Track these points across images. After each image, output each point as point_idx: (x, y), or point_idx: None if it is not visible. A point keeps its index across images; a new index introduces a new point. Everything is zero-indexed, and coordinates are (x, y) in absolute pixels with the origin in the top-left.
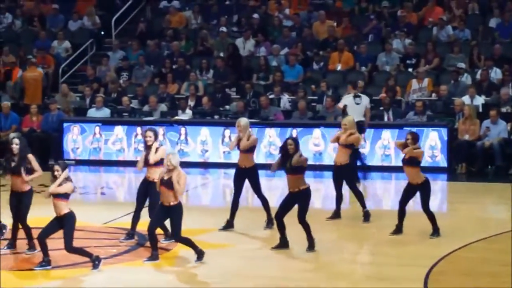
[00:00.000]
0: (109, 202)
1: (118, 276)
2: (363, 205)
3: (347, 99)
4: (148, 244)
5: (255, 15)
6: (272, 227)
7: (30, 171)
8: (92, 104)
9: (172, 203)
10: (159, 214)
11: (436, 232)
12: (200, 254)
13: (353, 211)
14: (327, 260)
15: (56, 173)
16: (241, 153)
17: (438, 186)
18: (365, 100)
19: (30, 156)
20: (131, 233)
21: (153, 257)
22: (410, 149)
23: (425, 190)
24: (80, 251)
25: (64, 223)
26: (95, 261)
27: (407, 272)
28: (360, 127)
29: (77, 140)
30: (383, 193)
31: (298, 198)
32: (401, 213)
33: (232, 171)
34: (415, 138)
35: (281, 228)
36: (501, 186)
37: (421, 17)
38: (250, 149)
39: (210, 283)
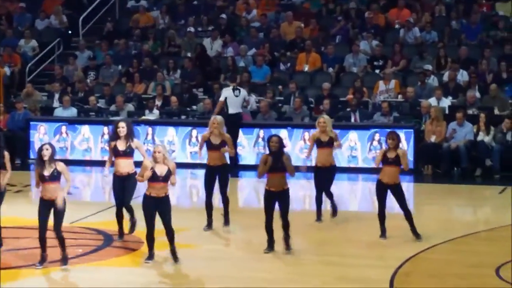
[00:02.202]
0: (76, 201)
1: (83, 276)
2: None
3: (226, 92)
4: (115, 244)
5: (223, 16)
6: (227, 227)
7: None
8: (60, 103)
9: (166, 194)
10: (151, 210)
11: (416, 234)
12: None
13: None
14: (295, 261)
15: (45, 151)
16: (212, 152)
17: (404, 187)
18: (243, 92)
19: (6, 154)
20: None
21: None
22: (404, 153)
23: (401, 188)
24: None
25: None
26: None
27: (374, 274)
28: (239, 119)
29: (43, 139)
30: (350, 194)
31: (282, 197)
32: (384, 216)
33: (199, 172)
34: (398, 138)
35: (271, 232)
36: (466, 188)
37: (389, 19)
38: (222, 145)
39: (177, 283)
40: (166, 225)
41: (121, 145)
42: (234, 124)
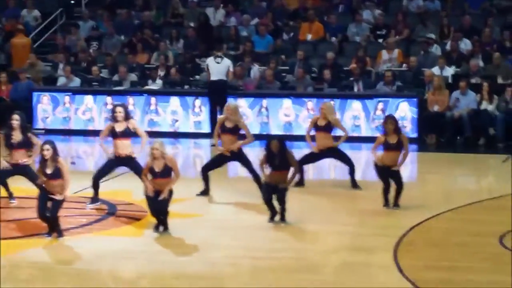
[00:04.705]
0: (79, 171)
1: (87, 245)
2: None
3: (209, 60)
4: (118, 213)
5: None
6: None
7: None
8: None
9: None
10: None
11: (397, 204)
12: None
13: (320, 181)
14: (297, 230)
15: (45, 152)
16: (226, 135)
17: (408, 156)
18: (226, 61)
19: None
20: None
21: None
22: (405, 137)
23: (400, 173)
24: (57, 220)
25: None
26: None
27: (377, 243)
28: (221, 86)
29: (46, 109)
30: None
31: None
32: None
33: (202, 141)
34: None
35: (272, 205)
36: (470, 157)
37: None
38: (236, 130)
39: (181, 252)
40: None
41: (119, 127)
42: (217, 91)
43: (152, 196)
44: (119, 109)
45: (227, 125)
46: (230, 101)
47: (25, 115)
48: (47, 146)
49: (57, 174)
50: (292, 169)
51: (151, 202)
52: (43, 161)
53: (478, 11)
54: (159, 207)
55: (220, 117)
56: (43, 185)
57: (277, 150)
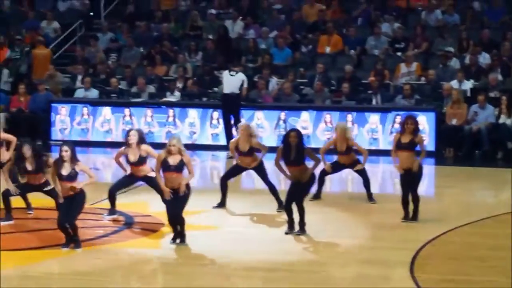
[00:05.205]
0: (96, 183)
1: (103, 256)
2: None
3: (224, 73)
4: (135, 225)
5: None
6: (281, 211)
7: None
8: (82, 85)
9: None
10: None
11: (415, 217)
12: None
13: (337, 194)
14: (313, 243)
15: (64, 153)
16: (243, 157)
17: (426, 170)
18: (240, 75)
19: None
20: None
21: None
22: (421, 137)
23: (419, 173)
24: (76, 230)
25: (77, 199)
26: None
27: (394, 256)
28: (234, 99)
29: (65, 120)
30: (371, 176)
31: (302, 185)
32: (407, 202)
33: (220, 153)
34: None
35: (291, 213)
36: (487, 171)
37: (410, 1)
38: (251, 151)
39: (197, 264)
40: (175, 213)
41: (132, 155)
42: (229, 103)
43: (169, 198)
44: (133, 133)
45: (241, 149)
46: (245, 116)
47: (44, 127)
48: (65, 148)
49: (73, 176)
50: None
51: (170, 204)
52: (61, 162)
53: (497, 24)
54: (177, 206)
55: (232, 140)
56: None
57: (295, 141)
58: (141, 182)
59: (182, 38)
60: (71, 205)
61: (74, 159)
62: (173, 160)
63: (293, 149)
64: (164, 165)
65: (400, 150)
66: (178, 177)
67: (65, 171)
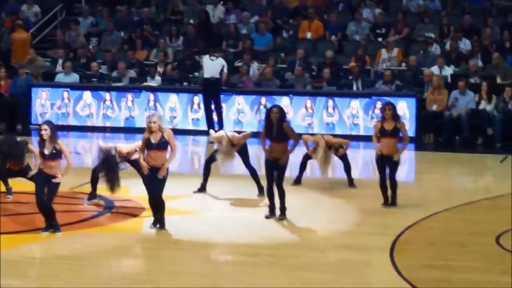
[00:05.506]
0: (77, 167)
1: (83, 241)
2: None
3: (204, 58)
4: (116, 209)
5: None
6: (262, 196)
7: None
8: (63, 69)
9: (163, 164)
10: (150, 177)
11: (394, 203)
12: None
13: (318, 179)
14: (295, 228)
15: (43, 131)
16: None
17: (406, 155)
18: (220, 60)
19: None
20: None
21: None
22: (403, 123)
23: (397, 163)
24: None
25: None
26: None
27: (374, 241)
28: (214, 84)
29: (45, 105)
30: (351, 162)
31: (281, 167)
32: (385, 187)
33: (200, 138)
34: (395, 109)
35: (272, 198)
36: (467, 157)
37: None
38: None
39: (178, 248)
40: (155, 195)
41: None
42: (209, 88)
43: (148, 176)
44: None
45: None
46: (226, 101)
47: (24, 111)
48: (45, 126)
49: (56, 155)
50: (292, 142)
51: (149, 183)
52: (42, 142)
53: (478, 11)
54: (156, 188)
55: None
56: (41, 167)
57: (276, 117)
58: (124, 166)
59: (163, 22)
60: (49, 187)
61: (53, 138)
62: (154, 138)
63: (275, 125)
64: (146, 144)
65: (384, 137)
66: (162, 155)
67: (47, 150)
